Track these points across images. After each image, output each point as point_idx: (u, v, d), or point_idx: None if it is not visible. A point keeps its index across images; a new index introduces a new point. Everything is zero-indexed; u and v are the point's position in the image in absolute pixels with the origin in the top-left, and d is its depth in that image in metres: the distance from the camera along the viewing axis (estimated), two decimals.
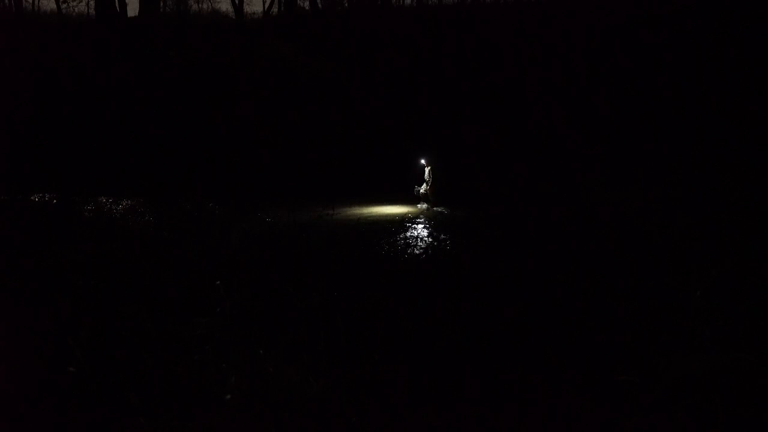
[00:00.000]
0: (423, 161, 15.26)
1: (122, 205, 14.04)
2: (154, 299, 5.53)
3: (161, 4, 28.89)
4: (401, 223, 12.41)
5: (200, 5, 30.75)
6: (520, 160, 17.81)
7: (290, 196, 14.42)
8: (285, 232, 10.31)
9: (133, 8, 28.97)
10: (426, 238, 10.62)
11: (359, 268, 7.71)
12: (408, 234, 11.09)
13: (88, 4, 30.37)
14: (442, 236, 10.81)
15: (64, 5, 28.22)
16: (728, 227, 9.30)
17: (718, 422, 3.66)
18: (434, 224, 12.26)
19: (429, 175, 14.98)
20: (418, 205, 14.77)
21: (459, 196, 15.04)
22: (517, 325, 5.54)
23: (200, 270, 6.31)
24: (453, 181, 15.79)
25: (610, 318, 5.36)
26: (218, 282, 4.88)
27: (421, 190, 15.02)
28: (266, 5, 29.93)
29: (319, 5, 29.25)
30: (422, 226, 12.05)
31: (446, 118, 19.95)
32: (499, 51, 21.63)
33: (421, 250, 9.56)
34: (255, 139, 19.13)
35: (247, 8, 32.65)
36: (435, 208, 14.32)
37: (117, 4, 26.33)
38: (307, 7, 29.57)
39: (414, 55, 21.91)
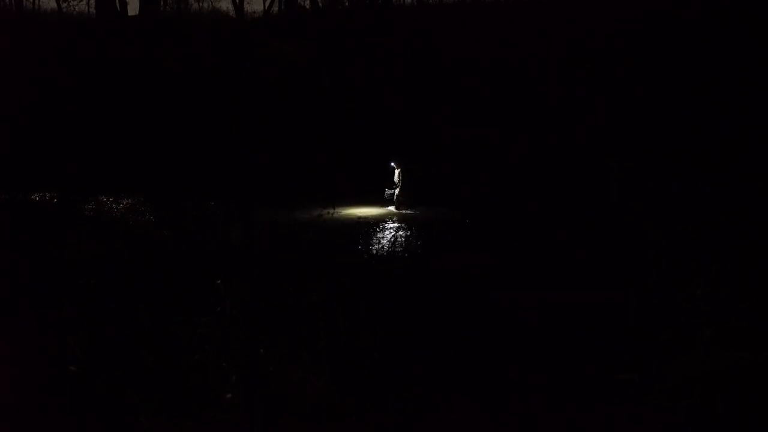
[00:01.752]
0: (393, 164, 15.12)
1: (123, 204, 14.08)
2: (154, 299, 5.54)
3: (162, 3, 28.86)
4: (398, 221, 12.43)
5: (200, 4, 30.69)
6: (522, 161, 17.77)
7: (290, 195, 14.45)
8: (285, 230, 10.35)
9: (133, 7, 28.95)
10: (425, 238, 10.63)
11: (359, 267, 7.72)
12: (408, 233, 11.10)
13: (88, 3, 30.45)
14: (440, 236, 10.82)
15: (65, 4, 28.17)
16: (729, 226, 9.29)
17: (718, 422, 3.66)
18: (428, 224, 12.28)
19: (399, 178, 14.84)
20: (393, 208, 14.57)
21: (460, 198, 15.01)
22: (516, 324, 5.55)
23: (200, 269, 6.31)
24: (458, 181, 15.79)
25: (609, 317, 5.36)
26: (218, 281, 4.89)
27: (394, 193, 14.79)
28: (267, 4, 29.89)
29: (320, 4, 29.22)
30: (419, 225, 12.06)
31: (446, 118, 19.93)
32: (498, 51, 21.61)
33: (421, 249, 9.57)
34: (255, 138, 19.12)
35: (247, 7, 32.71)
36: (402, 210, 14.16)
37: (117, 4, 26.31)
38: (307, 6, 29.56)
39: (414, 54, 21.89)
